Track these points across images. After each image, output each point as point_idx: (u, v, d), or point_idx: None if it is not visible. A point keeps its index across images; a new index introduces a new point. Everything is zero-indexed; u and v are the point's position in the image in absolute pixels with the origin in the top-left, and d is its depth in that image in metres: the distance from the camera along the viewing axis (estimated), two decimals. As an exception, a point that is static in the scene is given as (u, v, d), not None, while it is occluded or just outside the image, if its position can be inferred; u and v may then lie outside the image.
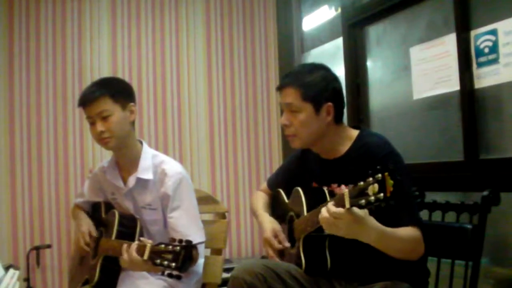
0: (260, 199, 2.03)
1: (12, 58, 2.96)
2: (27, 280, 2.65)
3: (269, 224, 1.87)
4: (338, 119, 1.72)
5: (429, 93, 2.40)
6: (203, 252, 2.01)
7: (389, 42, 2.69)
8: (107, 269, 1.88)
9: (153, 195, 1.95)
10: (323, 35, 3.28)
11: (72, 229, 2.97)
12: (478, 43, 2.14)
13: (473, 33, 2.16)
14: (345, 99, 1.77)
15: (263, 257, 3.15)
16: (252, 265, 1.65)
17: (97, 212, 2.10)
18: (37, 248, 2.76)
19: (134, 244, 1.63)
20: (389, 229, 1.45)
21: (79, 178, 3.04)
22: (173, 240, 1.52)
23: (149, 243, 1.58)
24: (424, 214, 1.83)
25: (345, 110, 1.77)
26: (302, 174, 1.86)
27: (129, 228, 1.91)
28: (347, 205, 1.34)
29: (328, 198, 1.62)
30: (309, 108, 1.67)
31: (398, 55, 2.62)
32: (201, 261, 2.01)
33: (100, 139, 1.89)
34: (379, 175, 1.24)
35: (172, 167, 1.95)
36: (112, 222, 1.91)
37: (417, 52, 2.47)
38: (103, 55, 3.14)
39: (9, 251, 2.87)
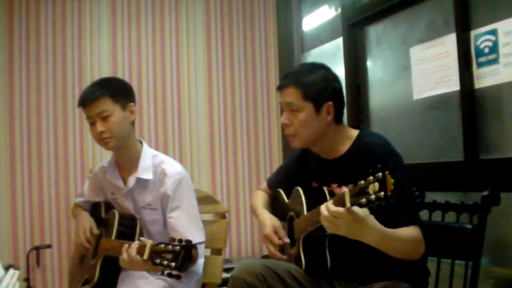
0: (260, 198, 2.04)
1: (12, 58, 2.97)
2: (27, 280, 2.65)
3: (269, 220, 1.87)
4: (338, 118, 1.72)
5: (429, 93, 2.40)
6: (203, 252, 2.01)
7: (389, 42, 2.69)
8: (107, 269, 1.88)
9: (153, 195, 1.95)
10: (323, 35, 3.28)
11: (72, 229, 2.97)
12: (478, 43, 2.14)
13: (473, 33, 2.16)
14: (345, 98, 1.77)
15: (263, 257, 3.15)
16: (252, 265, 1.65)
17: (97, 212, 2.10)
18: (37, 248, 2.76)
19: (134, 244, 1.63)
20: (390, 230, 1.45)
21: (79, 178, 3.04)
22: (173, 240, 1.52)
23: (149, 242, 1.58)
24: (424, 214, 1.83)
25: (345, 110, 1.77)
26: (302, 174, 1.86)
27: (129, 228, 1.92)
28: (348, 204, 1.33)
29: (328, 198, 1.62)
30: (309, 108, 1.67)
31: (398, 55, 2.62)
32: (201, 261, 2.02)
33: (100, 139, 1.89)
34: (380, 173, 1.24)
35: (172, 167, 1.95)
36: (112, 222, 1.91)
37: (417, 52, 2.47)
38: (103, 55, 3.14)
39: (9, 251, 2.87)
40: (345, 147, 1.71)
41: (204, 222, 2.00)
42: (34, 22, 3.03)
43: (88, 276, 1.93)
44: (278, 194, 1.95)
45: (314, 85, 1.67)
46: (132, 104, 1.95)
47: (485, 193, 1.68)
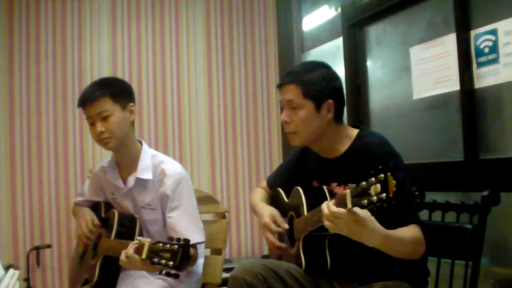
0: (259, 194, 2.03)
1: (12, 58, 2.97)
2: (27, 280, 2.65)
3: (267, 210, 1.87)
4: (338, 117, 1.72)
5: (429, 93, 2.40)
6: (203, 252, 2.01)
7: (389, 42, 2.69)
8: (106, 269, 1.88)
9: (153, 195, 1.94)
10: (323, 35, 3.28)
11: (72, 229, 2.97)
12: (478, 43, 2.14)
13: (473, 33, 2.16)
14: (345, 98, 1.77)
15: (263, 257, 3.15)
16: (252, 265, 1.65)
17: (97, 211, 2.10)
18: (37, 248, 2.76)
19: (133, 243, 1.63)
20: (391, 232, 1.45)
21: (79, 178, 3.04)
22: (171, 239, 1.52)
23: (147, 242, 1.58)
24: (424, 214, 1.83)
25: (345, 110, 1.77)
26: (302, 173, 1.86)
27: (129, 228, 1.92)
28: (349, 205, 1.33)
29: (328, 198, 1.62)
30: (309, 105, 1.67)
31: (398, 55, 2.62)
32: (201, 261, 2.02)
33: (100, 140, 1.89)
34: (382, 175, 1.24)
35: (172, 167, 1.95)
36: (112, 222, 1.92)
37: (417, 52, 2.47)
38: (103, 55, 3.14)
39: (9, 251, 2.87)
40: (344, 146, 1.71)
41: (204, 222, 2.00)
42: (34, 22, 3.03)
43: (88, 276, 1.93)
44: (278, 194, 1.95)
45: (314, 83, 1.67)
46: (132, 104, 1.95)
47: (485, 193, 1.68)
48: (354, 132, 1.73)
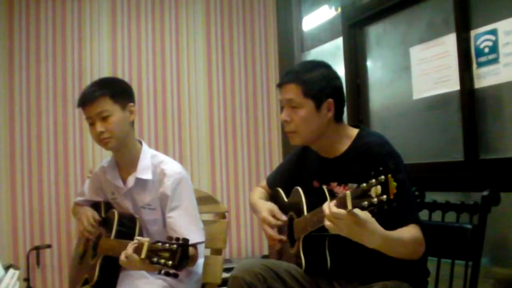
0: (258, 193, 2.03)
1: (12, 58, 2.97)
2: (27, 280, 2.65)
3: (264, 205, 1.88)
4: (338, 117, 1.72)
5: (429, 93, 2.40)
6: (203, 252, 2.01)
7: (389, 42, 2.69)
8: (106, 269, 1.88)
9: (152, 195, 1.94)
10: (323, 35, 3.28)
11: (72, 229, 2.97)
12: (478, 43, 2.14)
13: (473, 33, 2.16)
14: (345, 97, 1.77)
15: (263, 257, 3.15)
16: (252, 265, 1.65)
17: (97, 211, 2.10)
18: (37, 248, 2.76)
19: (132, 243, 1.63)
20: (391, 233, 1.45)
21: (79, 178, 3.04)
22: (170, 238, 1.52)
23: (146, 241, 1.58)
24: (424, 214, 1.83)
25: (345, 110, 1.77)
26: (301, 173, 1.86)
27: (129, 228, 1.92)
28: (349, 206, 1.33)
29: (328, 198, 1.62)
30: (310, 104, 1.67)
31: (398, 55, 2.62)
32: (201, 261, 2.02)
33: (100, 140, 1.89)
34: (382, 176, 1.24)
35: (171, 167, 1.95)
36: (112, 222, 1.92)
37: (417, 52, 2.47)
38: (103, 55, 3.14)
39: (9, 251, 2.87)
40: (344, 146, 1.71)
41: (204, 222, 2.00)
42: (34, 22, 3.03)
43: (88, 276, 1.93)
44: (277, 193, 1.95)
45: (315, 82, 1.67)
46: (131, 104, 1.95)
47: (485, 193, 1.68)
48: (354, 131, 1.73)
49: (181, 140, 3.28)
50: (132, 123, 1.97)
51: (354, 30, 2.88)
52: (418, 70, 2.46)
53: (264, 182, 2.10)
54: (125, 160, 1.99)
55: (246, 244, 3.40)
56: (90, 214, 2.02)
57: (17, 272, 1.72)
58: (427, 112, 2.43)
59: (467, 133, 2.18)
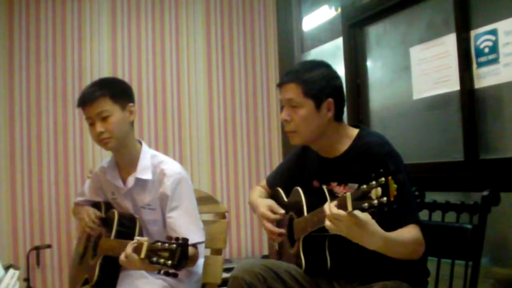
0: (257, 192, 2.03)
1: (12, 58, 2.97)
2: (27, 280, 2.65)
3: (262, 201, 1.88)
4: (338, 116, 1.72)
5: (429, 93, 2.40)
6: (203, 252, 2.01)
7: (389, 42, 2.69)
8: (106, 269, 1.88)
9: (152, 195, 1.94)
10: (323, 35, 3.28)
11: (72, 229, 2.97)
12: (478, 43, 2.14)
13: (473, 33, 2.16)
14: (345, 97, 1.77)
15: (263, 257, 3.15)
16: (252, 265, 1.65)
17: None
18: (37, 248, 2.76)
19: (131, 243, 1.63)
20: (391, 234, 1.45)
21: (79, 178, 3.04)
22: (170, 238, 1.52)
23: (145, 241, 1.58)
24: (424, 214, 1.83)
25: (345, 110, 1.77)
26: (301, 172, 1.86)
27: (129, 228, 1.92)
28: (349, 208, 1.33)
29: (328, 198, 1.62)
30: (310, 104, 1.66)
31: (398, 55, 2.62)
32: (201, 261, 2.02)
33: (100, 140, 1.89)
34: (382, 178, 1.24)
35: (171, 167, 1.95)
36: (112, 222, 1.91)
37: (417, 52, 2.47)
38: (103, 55, 3.15)
39: (9, 251, 2.87)
40: (344, 145, 1.71)
41: (204, 222, 2.00)
42: (34, 22, 3.03)
43: (88, 276, 1.93)
44: (277, 193, 1.95)
45: (315, 82, 1.67)
46: (131, 104, 1.95)
47: (485, 193, 1.68)
48: (354, 131, 1.73)
49: (181, 140, 3.28)
50: (132, 123, 1.97)
51: (354, 30, 2.88)
52: (418, 70, 2.46)
53: (264, 182, 2.10)
54: (125, 160, 1.99)
55: (246, 244, 3.40)
56: (91, 211, 2.03)
57: (17, 272, 1.72)
58: (427, 112, 2.43)
59: (467, 133, 2.18)
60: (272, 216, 1.80)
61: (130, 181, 1.95)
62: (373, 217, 1.37)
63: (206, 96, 3.36)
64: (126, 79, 2.92)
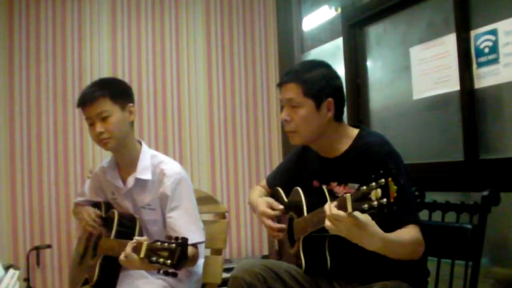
0: (257, 192, 2.03)
1: (12, 58, 2.97)
2: (27, 280, 2.65)
3: (261, 200, 1.88)
4: (338, 116, 1.72)
5: (429, 93, 2.40)
6: (203, 252, 2.01)
7: (389, 42, 2.69)
8: (106, 269, 1.88)
9: (152, 195, 1.94)
10: (323, 35, 3.28)
11: (72, 229, 2.97)
12: (478, 43, 2.14)
13: (473, 33, 2.16)
14: (345, 97, 1.77)
15: (263, 257, 3.15)
16: (252, 265, 1.65)
17: (97, 212, 2.11)
18: (37, 248, 2.76)
19: (131, 243, 1.63)
20: (391, 236, 1.45)
21: (79, 178, 3.04)
22: (169, 238, 1.52)
23: (145, 240, 1.58)
24: (424, 214, 1.83)
25: (345, 110, 1.77)
26: (301, 172, 1.86)
27: (129, 228, 1.92)
28: (349, 209, 1.33)
29: (328, 198, 1.62)
30: (310, 104, 1.66)
31: (398, 55, 2.62)
32: (201, 261, 2.02)
33: (99, 140, 1.89)
34: (382, 180, 1.24)
35: (171, 167, 1.95)
36: (112, 222, 1.92)
37: (417, 52, 2.47)
38: (103, 55, 3.15)
39: (9, 251, 2.87)
40: (345, 145, 1.71)
41: (204, 222, 2.00)
42: (34, 22, 3.03)
43: (88, 276, 1.93)
44: (277, 193, 1.95)
45: (315, 82, 1.67)
46: (131, 104, 1.95)
47: (485, 193, 1.68)
48: (355, 131, 1.73)
49: (181, 140, 3.28)
50: (132, 123, 1.97)
51: (354, 30, 2.88)
52: (418, 70, 2.46)
53: (264, 182, 2.10)
54: (124, 160, 1.99)
55: (246, 244, 3.40)
56: (91, 210, 2.03)
57: (17, 272, 1.72)
58: (427, 112, 2.43)
59: (467, 133, 2.18)
60: (272, 212, 1.81)
61: (130, 181, 1.95)
62: (373, 218, 1.37)
63: (206, 96, 3.36)
64: (126, 79, 2.92)
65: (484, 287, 2.12)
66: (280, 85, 1.74)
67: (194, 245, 1.85)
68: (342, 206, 1.36)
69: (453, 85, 2.25)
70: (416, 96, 2.48)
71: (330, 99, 1.67)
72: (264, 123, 3.51)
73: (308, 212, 1.64)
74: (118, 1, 3.20)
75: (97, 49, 3.13)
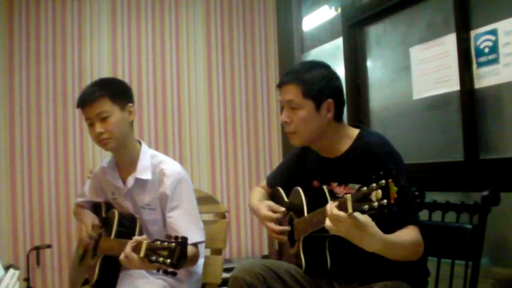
0: (257, 194, 2.03)
1: (12, 58, 2.97)
2: (27, 280, 2.65)
3: (261, 204, 1.88)
4: (338, 117, 1.71)
5: (429, 93, 2.40)
6: (203, 252, 2.01)
7: (389, 42, 2.69)
8: (106, 269, 1.88)
9: (152, 195, 1.94)
10: (323, 35, 3.28)
11: (72, 229, 2.97)
12: (478, 43, 2.14)
13: (473, 33, 2.16)
14: (345, 97, 1.77)
15: (263, 257, 3.15)
16: (252, 265, 1.65)
17: (98, 212, 2.10)
18: (37, 248, 2.76)
19: (131, 242, 1.63)
20: (391, 237, 1.45)
21: (79, 178, 3.04)
22: (169, 237, 1.52)
23: (144, 239, 1.58)
24: (424, 214, 1.83)
25: (345, 110, 1.77)
26: (302, 172, 1.86)
27: (129, 228, 1.91)
28: (350, 209, 1.33)
29: (329, 198, 1.62)
30: (309, 105, 1.66)
31: (398, 55, 2.62)
32: (201, 261, 2.02)
33: (99, 140, 1.89)
34: (383, 181, 1.24)
35: (171, 167, 1.95)
36: (112, 222, 1.92)
37: (417, 52, 2.47)
38: (103, 55, 3.15)
39: (9, 251, 2.87)
40: (345, 146, 1.71)
41: (204, 222, 2.00)
42: (34, 22, 3.03)
43: (88, 276, 1.93)
44: (277, 193, 1.95)
45: (314, 83, 1.67)
46: (131, 104, 1.95)
47: (485, 193, 1.68)
48: (355, 132, 1.73)
49: (181, 140, 3.28)
50: (132, 123, 1.97)
51: (354, 30, 2.88)
52: (418, 70, 2.46)
53: (264, 182, 2.10)
54: (124, 160, 1.99)
55: (246, 244, 3.40)
56: (89, 222, 1.99)
57: (17, 272, 1.72)
58: (427, 112, 2.43)
59: (467, 133, 2.18)
60: (274, 215, 1.80)
61: (130, 181, 1.95)
62: (373, 219, 1.37)
63: (206, 96, 3.36)
64: (126, 79, 2.93)
65: (484, 287, 2.12)
66: (279, 86, 1.74)
67: (195, 245, 1.85)
68: (342, 207, 1.36)
69: (453, 85, 2.25)
70: (416, 96, 2.48)
71: (330, 100, 1.67)
72: (264, 123, 3.51)
73: (308, 212, 1.64)
74: (118, 1, 3.20)
75: (97, 49, 3.13)
